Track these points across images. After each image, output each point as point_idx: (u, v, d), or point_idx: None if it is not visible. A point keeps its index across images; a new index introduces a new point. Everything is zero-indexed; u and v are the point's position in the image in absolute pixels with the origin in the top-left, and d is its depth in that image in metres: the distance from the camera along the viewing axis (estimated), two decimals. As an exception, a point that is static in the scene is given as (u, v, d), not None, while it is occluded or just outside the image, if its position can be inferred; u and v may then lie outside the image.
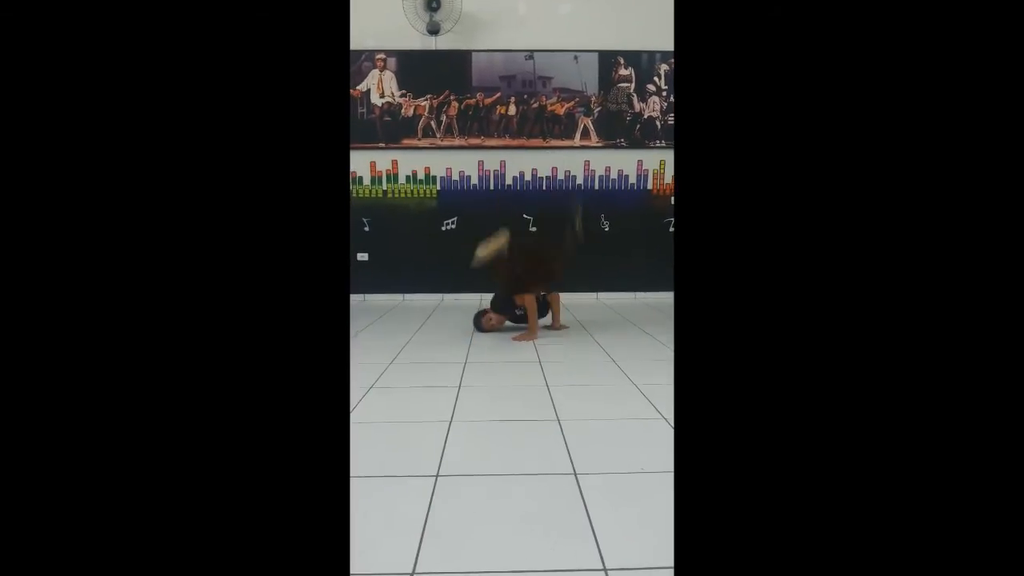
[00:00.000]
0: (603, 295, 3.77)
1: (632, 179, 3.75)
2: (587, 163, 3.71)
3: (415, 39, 3.54)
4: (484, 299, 3.69)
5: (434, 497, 1.12)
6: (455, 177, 3.71)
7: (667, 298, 3.75)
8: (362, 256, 3.76)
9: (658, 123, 3.72)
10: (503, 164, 3.69)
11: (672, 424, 1.51)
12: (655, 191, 3.77)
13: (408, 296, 3.79)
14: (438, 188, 3.72)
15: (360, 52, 3.57)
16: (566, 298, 3.52)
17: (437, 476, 1.21)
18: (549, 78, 3.62)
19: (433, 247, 3.73)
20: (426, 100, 3.64)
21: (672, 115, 3.70)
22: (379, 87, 3.63)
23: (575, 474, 1.22)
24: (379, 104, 3.65)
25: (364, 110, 3.64)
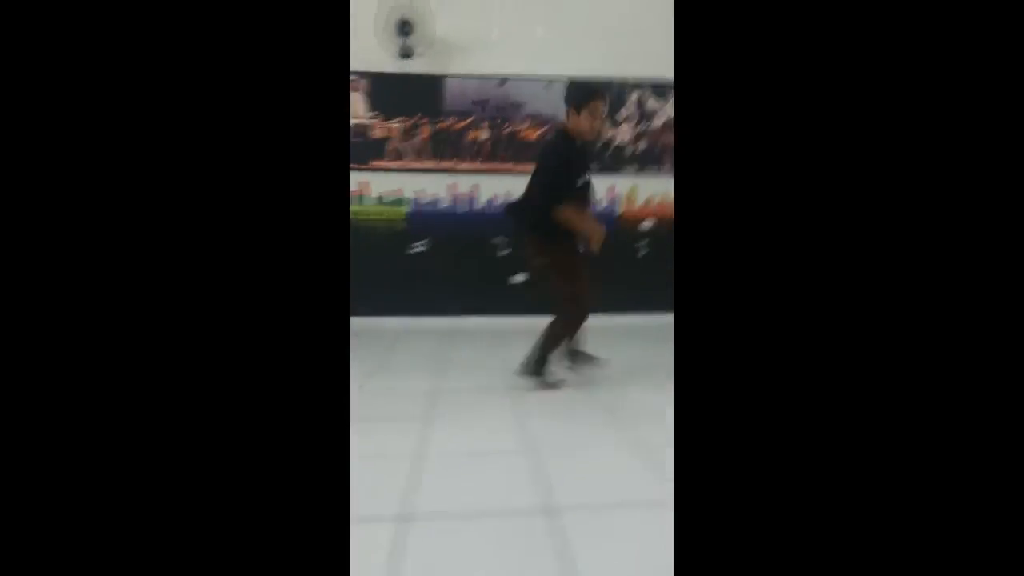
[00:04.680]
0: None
1: (603, 204, 3.78)
2: (559, 188, 3.72)
3: (387, 62, 3.53)
4: (456, 323, 3.64)
5: (402, 540, 1.06)
6: (426, 200, 3.68)
7: (637, 320, 3.77)
8: (330, 279, 3.67)
9: (628, 150, 3.78)
10: (475, 188, 3.69)
11: (649, 453, 1.49)
12: (625, 216, 3.81)
13: (376, 319, 3.72)
14: (408, 211, 3.69)
15: (331, 73, 3.52)
16: (533, 322, 3.49)
17: (405, 518, 1.16)
18: (522, 104, 3.64)
19: (403, 270, 3.68)
20: (398, 122, 3.62)
21: (643, 142, 3.77)
22: (350, 108, 3.59)
23: (548, 511, 1.18)
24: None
25: (334, 131, 3.58)
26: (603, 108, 2.03)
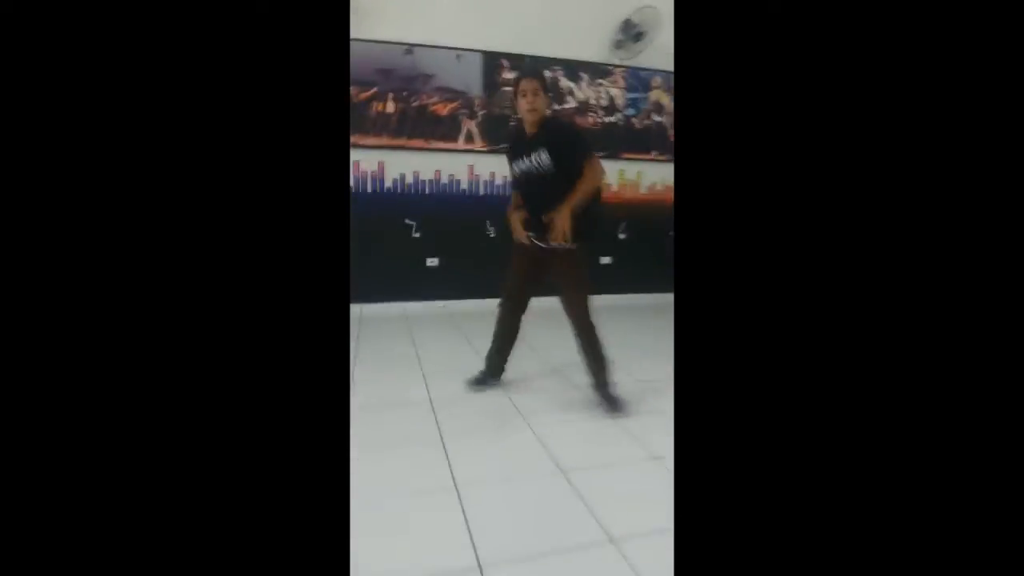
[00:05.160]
0: (489, 301, 3.72)
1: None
2: (471, 167, 3.59)
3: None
4: (364, 309, 3.44)
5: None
6: (328, 177, 3.38)
7: (549, 303, 3.80)
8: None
9: (541, 129, 3.71)
10: (381, 165, 3.44)
11: (568, 475, 1.49)
12: (538, 197, 3.78)
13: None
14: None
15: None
16: (451, 305, 3.40)
17: None
18: (430, 76, 3.42)
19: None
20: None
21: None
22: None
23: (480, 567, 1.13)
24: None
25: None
26: (529, 87, 1.88)
